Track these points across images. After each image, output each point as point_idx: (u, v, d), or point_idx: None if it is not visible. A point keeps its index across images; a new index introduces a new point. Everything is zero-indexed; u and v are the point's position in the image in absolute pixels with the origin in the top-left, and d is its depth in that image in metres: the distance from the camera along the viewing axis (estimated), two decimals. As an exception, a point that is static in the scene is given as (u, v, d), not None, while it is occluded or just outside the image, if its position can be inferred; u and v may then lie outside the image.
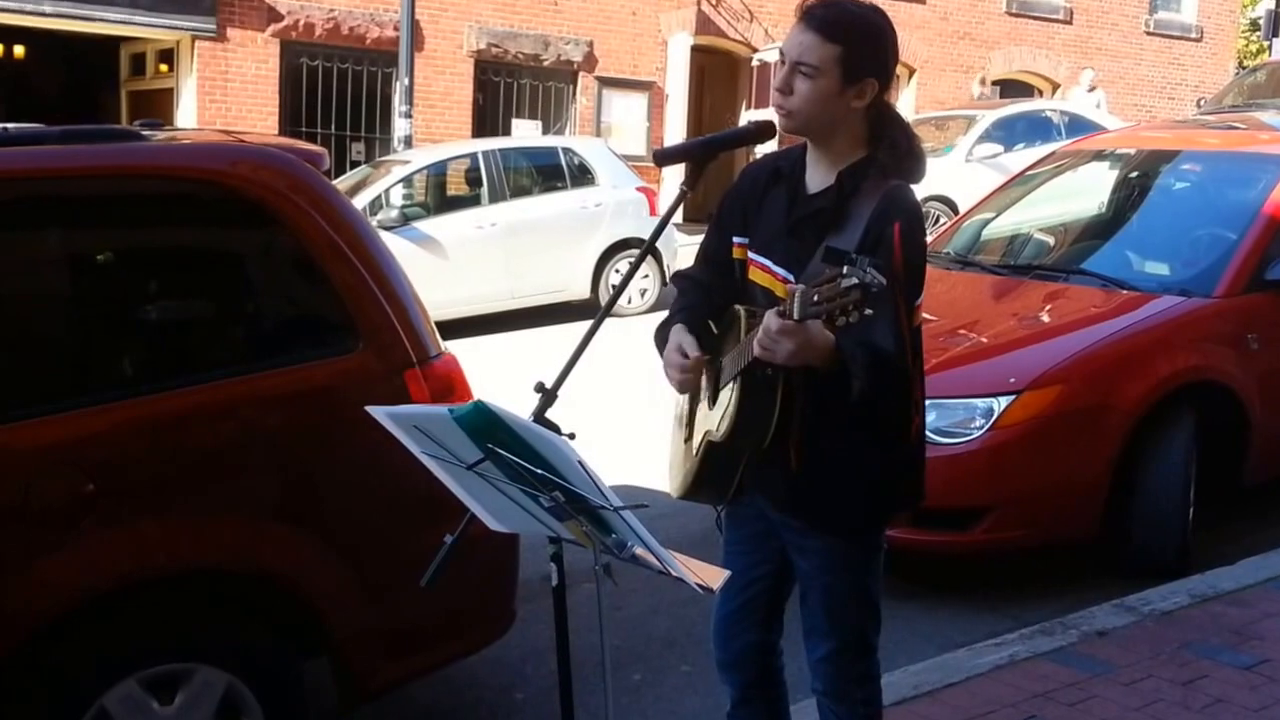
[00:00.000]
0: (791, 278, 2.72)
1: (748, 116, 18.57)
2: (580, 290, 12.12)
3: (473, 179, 12.28)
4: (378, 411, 2.30)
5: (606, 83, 17.65)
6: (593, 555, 2.25)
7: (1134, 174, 6.33)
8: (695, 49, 18.10)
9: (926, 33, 19.16)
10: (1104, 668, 4.17)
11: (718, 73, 19.33)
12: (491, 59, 16.85)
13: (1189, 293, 5.30)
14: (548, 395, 2.55)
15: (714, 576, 2.22)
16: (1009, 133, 13.90)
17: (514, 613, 3.81)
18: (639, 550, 2.19)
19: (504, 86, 17.14)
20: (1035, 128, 14.20)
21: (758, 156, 3.11)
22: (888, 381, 2.58)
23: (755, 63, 18.34)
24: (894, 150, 2.72)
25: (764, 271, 2.81)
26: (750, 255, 2.85)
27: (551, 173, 12.40)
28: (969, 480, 4.90)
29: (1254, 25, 24.31)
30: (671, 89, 17.95)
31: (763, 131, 2.77)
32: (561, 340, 11.46)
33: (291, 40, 15.64)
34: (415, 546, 3.24)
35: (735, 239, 2.90)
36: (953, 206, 13.37)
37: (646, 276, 12.34)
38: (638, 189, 12.56)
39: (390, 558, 3.43)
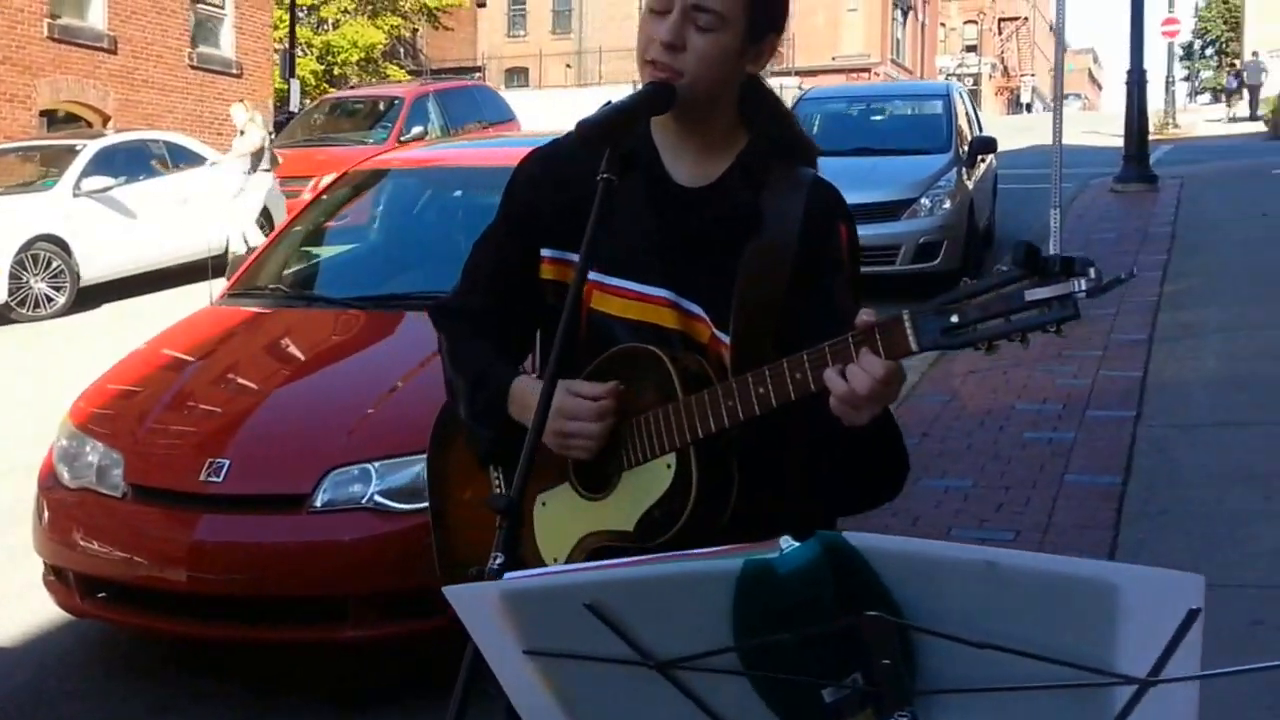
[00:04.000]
0: (686, 303, 1.97)
1: None
2: None
3: None
4: (476, 593, 1.21)
5: None
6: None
7: (455, 194, 5.93)
8: None
9: (-38, 55, 16.73)
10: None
11: None
12: None
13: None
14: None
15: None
16: (113, 164, 12.61)
17: None
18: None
19: None
20: (137, 158, 13.14)
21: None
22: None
23: None
24: (784, 126, 2.08)
25: (627, 298, 2.01)
26: (594, 277, 2.01)
27: None
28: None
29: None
30: None
31: (661, 96, 1.94)
32: None
33: None
34: None
35: (548, 252, 2.07)
36: (65, 247, 11.77)
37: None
38: None
39: None
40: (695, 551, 1.19)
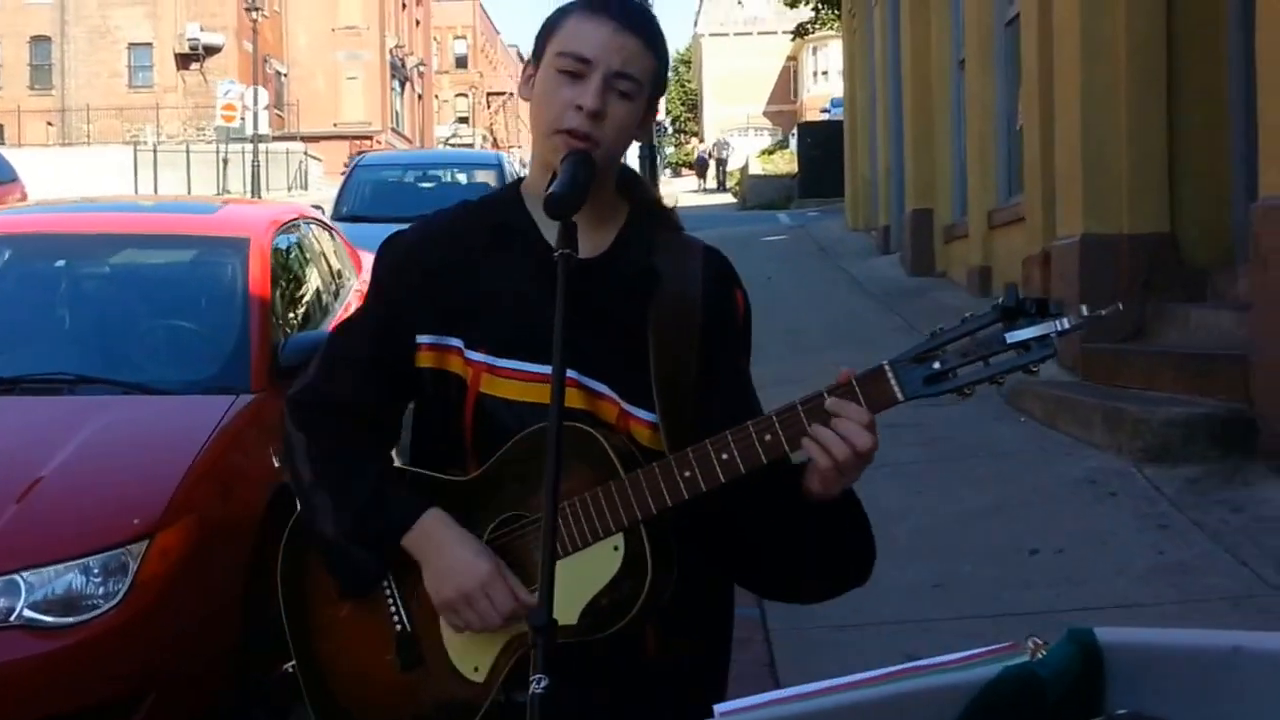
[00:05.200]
0: (590, 381, 1.87)
1: None
2: None
3: None
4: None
5: None
6: None
7: (58, 263, 5.28)
8: None
9: None
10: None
11: None
12: None
13: (231, 389, 4.62)
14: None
15: None
16: None
17: None
18: None
19: None
20: None
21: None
22: None
23: None
24: (652, 194, 2.06)
25: (524, 380, 1.87)
26: (483, 359, 1.88)
27: None
28: (111, 665, 3.72)
29: None
30: None
31: (590, 168, 1.83)
32: None
33: None
34: None
35: (425, 339, 1.92)
36: None
37: None
38: None
39: None
40: (924, 663, 1.10)
